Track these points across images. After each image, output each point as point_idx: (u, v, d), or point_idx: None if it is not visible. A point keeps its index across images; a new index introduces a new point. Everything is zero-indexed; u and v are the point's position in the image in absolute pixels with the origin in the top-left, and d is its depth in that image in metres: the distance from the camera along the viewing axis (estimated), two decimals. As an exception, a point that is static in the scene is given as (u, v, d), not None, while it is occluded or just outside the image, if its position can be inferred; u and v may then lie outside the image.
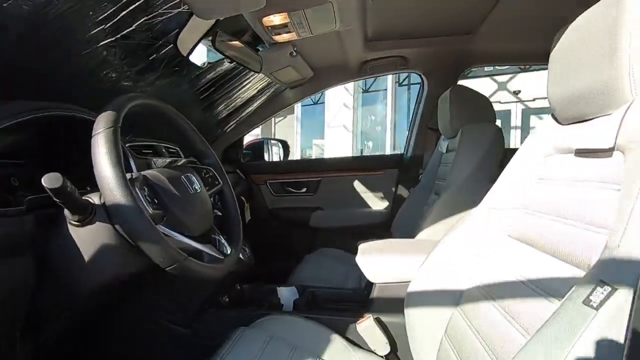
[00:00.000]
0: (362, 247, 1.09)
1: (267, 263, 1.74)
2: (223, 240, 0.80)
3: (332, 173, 1.98)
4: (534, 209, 0.72)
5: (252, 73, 1.46)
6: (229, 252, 0.79)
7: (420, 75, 1.79)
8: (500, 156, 1.28)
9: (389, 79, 9.18)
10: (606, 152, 0.57)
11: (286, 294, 1.24)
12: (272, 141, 2.30)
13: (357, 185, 1.97)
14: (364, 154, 8.85)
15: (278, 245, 2.00)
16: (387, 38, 1.52)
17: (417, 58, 1.64)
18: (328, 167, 2.02)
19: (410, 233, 1.67)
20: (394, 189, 1.93)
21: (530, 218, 0.72)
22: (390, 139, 8.88)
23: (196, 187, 0.77)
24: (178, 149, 1.30)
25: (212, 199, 0.87)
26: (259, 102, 1.76)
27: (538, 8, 1.26)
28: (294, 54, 1.40)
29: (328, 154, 9.04)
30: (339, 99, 9.00)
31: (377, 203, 1.97)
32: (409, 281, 0.98)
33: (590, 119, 0.63)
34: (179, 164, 0.94)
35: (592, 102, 0.61)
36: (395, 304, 1.01)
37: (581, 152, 0.65)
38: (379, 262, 1.02)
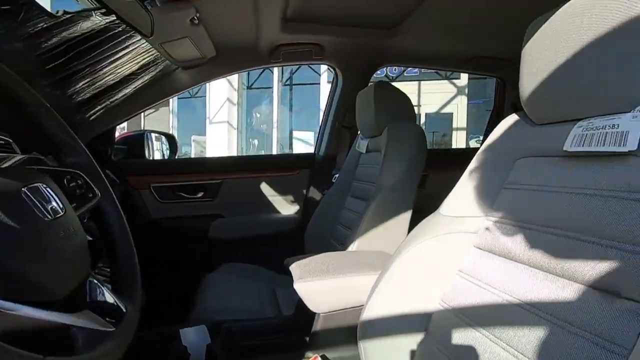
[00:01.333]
0: (296, 269, 0.87)
1: (157, 293, 1.35)
2: (108, 295, 0.47)
3: (236, 174, 1.69)
4: (506, 218, 0.64)
5: (135, 40, 1.07)
6: (124, 310, 0.47)
7: (334, 70, 1.66)
8: (425, 157, 1.23)
9: (275, 77, 9.08)
10: (617, 157, 0.50)
11: (193, 337, 0.92)
12: (155, 134, 1.85)
13: (265, 187, 1.73)
14: (250, 152, 8.53)
15: (168, 265, 1.60)
16: (307, 20, 1.33)
17: (335, 49, 1.50)
18: (231, 167, 1.72)
19: (328, 240, 1.54)
20: (305, 192, 1.76)
21: (502, 228, 0.64)
22: (276, 137, 8.79)
23: (54, 208, 0.43)
24: (9, 140, 0.82)
25: (84, 221, 0.53)
26: (140, 82, 1.35)
27: (462, 13, 1.25)
28: (196, 21, 1.07)
29: (210, 152, 8.37)
30: (222, 93, 8.43)
31: (287, 207, 1.77)
32: (361, 305, 0.82)
33: (583, 119, 0.56)
34: (11, 164, 0.54)
35: (592, 99, 0.54)
36: (345, 335, 0.84)
37: (570, 156, 0.58)
38: (323, 287, 0.82)
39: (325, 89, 8.36)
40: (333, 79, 1.72)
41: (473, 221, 0.70)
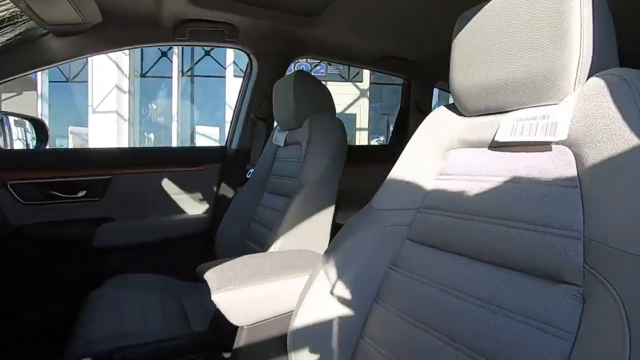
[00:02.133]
0: (213, 276, 0.74)
1: (25, 324, 1.04)
2: None
3: (130, 168, 1.42)
4: (439, 208, 0.63)
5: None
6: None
7: (249, 56, 1.53)
8: (346, 151, 1.21)
9: (174, 65, 8.34)
10: (545, 146, 0.52)
11: (73, 377, 0.71)
12: (13, 118, 1.45)
13: (167, 184, 1.50)
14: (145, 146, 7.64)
15: (38, 286, 1.26)
16: (220, -6, 1.18)
17: (250, 32, 1.37)
18: (123, 161, 1.44)
19: (243, 241, 1.40)
20: (215, 189, 1.59)
21: (435, 218, 0.63)
22: (176, 131, 8.08)
23: None
24: None
25: None
26: (-12, 45, 1.02)
27: (372, 11, 1.25)
28: (75, -29, 0.84)
29: (94, 146, 7.24)
30: (109, 79, 7.37)
31: (194, 207, 1.57)
32: (289, 312, 0.73)
33: (512, 110, 0.58)
34: None
35: (522, 91, 0.56)
36: (274, 348, 0.74)
37: (501, 146, 0.58)
38: (247, 295, 0.71)
39: (231, 83, 8.00)
40: (247, 66, 1.58)
41: (406, 213, 0.68)
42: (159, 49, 8.65)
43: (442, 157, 0.69)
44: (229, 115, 7.82)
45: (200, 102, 8.91)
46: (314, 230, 1.08)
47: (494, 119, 0.61)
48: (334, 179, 1.14)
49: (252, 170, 1.55)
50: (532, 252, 0.47)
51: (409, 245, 0.66)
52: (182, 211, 1.54)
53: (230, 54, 8.07)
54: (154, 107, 8.41)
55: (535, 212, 0.49)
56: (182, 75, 8.68)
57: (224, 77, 8.20)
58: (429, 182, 0.69)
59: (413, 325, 0.57)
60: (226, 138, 1.66)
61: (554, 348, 0.41)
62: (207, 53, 8.57)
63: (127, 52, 7.47)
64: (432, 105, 2.04)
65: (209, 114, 8.88)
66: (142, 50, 8.68)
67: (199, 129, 8.33)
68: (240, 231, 1.39)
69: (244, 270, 0.76)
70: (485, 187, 0.57)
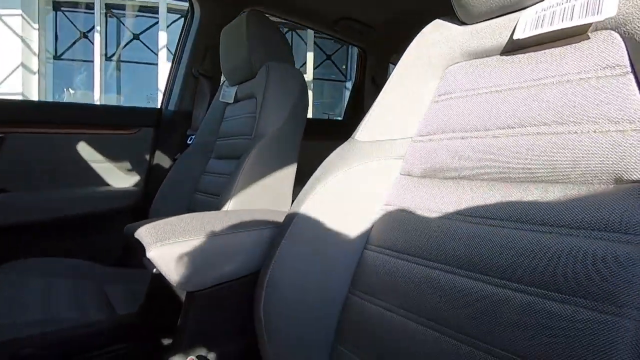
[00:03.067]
0: (147, 232, 0.54)
1: None
2: None
3: (34, 126, 1.12)
4: (440, 133, 0.53)
5: None
6: None
7: (189, 1, 1.31)
8: (307, 107, 1.06)
9: (96, 48, 7.47)
10: (580, 36, 0.43)
11: None
12: None
13: (85, 149, 1.22)
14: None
15: None
16: None
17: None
18: (24, 115, 1.13)
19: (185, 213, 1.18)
20: (148, 157, 1.33)
21: (434, 145, 0.54)
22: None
23: None
24: None
25: None
26: None
27: None
28: None
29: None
30: (13, 57, 6.34)
31: (121, 178, 1.30)
32: (250, 274, 0.57)
33: (535, 4, 0.48)
34: None
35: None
36: (231, 320, 0.57)
37: (520, 48, 0.49)
38: (194, 250, 0.52)
39: (165, 69, 7.37)
40: (187, 12, 1.35)
41: (398, 144, 0.58)
42: (77, 28, 7.69)
43: (439, 75, 0.58)
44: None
45: (128, 91, 8.09)
46: (272, 192, 0.92)
47: (508, 19, 0.52)
48: (295, 134, 0.99)
49: (193, 136, 1.33)
50: (577, 156, 0.38)
51: (404, 180, 0.55)
52: (105, 183, 1.26)
53: (162, 38, 7.45)
54: (71, 93, 7.45)
55: (568, 109, 0.40)
56: (106, 59, 7.80)
57: (156, 64, 7.54)
58: (424, 106, 0.58)
59: (418, 265, 0.46)
60: (162, 99, 1.40)
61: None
62: (136, 37, 7.81)
63: (36, 26, 6.50)
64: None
65: (138, 104, 8.11)
66: (56, 28, 7.64)
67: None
68: (179, 204, 1.17)
69: (189, 224, 0.57)
70: (500, 98, 0.47)
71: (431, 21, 0.62)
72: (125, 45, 7.91)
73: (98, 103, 7.34)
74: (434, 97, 0.58)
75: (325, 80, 8.67)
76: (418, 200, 0.51)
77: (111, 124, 1.27)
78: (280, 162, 0.95)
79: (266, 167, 0.92)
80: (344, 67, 8.59)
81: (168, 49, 7.49)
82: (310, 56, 7.48)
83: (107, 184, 1.27)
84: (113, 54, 7.91)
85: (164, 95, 1.40)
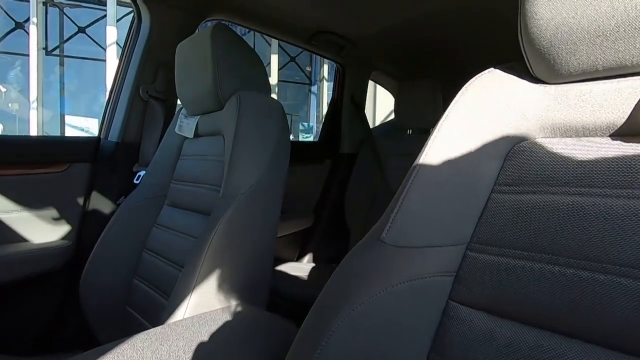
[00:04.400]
0: None
1: None
2: None
3: None
4: (504, 246, 0.38)
5: None
6: None
7: (135, 5, 1.04)
8: (289, 145, 0.86)
9: (32, 40, 6.69)
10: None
11: None
12: None
13: (7, 191, 0.92)
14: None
15: None
16: None
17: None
18: None
19: (132, 283, 0.93)
20: (82, 201, 1.05)
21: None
22: (37, 120, 6.51)
23: None
24: None
25: None
26: None
27: None
28: None
29: None
30: None
31: (45, 229, 1.00)
32: None
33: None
34: None
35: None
36: None
37: None
38: None
39: (114, 66, 6.76)
40: (133, 19, 1.08)
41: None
42: (11, 17, 6.84)
43: (503, 154, 0.40)
44: (111, 105, 6.63)
45: (74, 88, 7.35)
46: (251, 255, 0.71)
47: (621, 85, 0.34)
48: (278, 183, 0.78)
49: (141, 174, 1.06)
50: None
51: (456, 310, 0.38)
52: (21, 238, 0.97)
53: (112, 33, 6.85)
54: (2, 90, 6.62)
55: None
56: (47, 54, 7.03)
57: (104, 60, 6.90)
58: (482, 198, 0.40)
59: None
60: (101, 127, 1.12)
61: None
62: (82, 30, 7.10)
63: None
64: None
65: (85, 104, 7.41)
66: (-16, 16, 6.76)
67: (70, 120, 6.87)
68: (123, 268, 0.92)
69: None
70: (602, 206, 0.32)
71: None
72: (69, 39, 7.17)
73: (35, 102, 6.59)
74: (496, 185, 0.39)
75: (289, 82, 8.43)
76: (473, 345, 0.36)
77: (33, 159, 0.98)
78: (262, 221, 0.74)
79: (245, 231, 0.71)
80: (308, 69, 8.39)
81: (118, 45, 6.91)
82: (274, 59, 7.21)
83: (25, 240, 0.97)
84: (55, 48, 7.14)
85: (102, 122, 1.12)
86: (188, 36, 0.91)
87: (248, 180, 0.72)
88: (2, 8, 6.84)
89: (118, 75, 1.10)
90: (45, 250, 0.97)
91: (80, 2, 7.17)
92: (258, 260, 0.73)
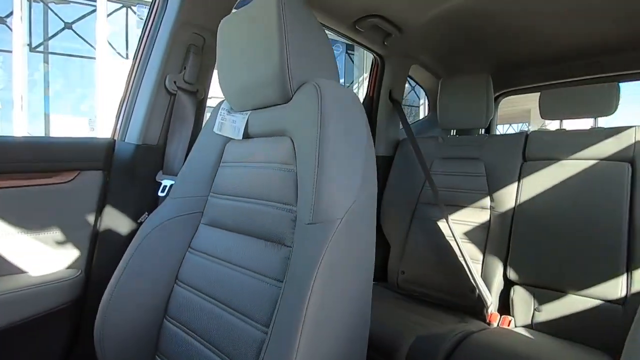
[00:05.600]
0: None
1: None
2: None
3: None
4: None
5: None
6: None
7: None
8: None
9: (16, 38, 6.34)
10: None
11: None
12: None
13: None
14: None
15: None
16: None
17: None
18: None
19: (163, 327, 0.72)
20: (92, 219, 0.84)
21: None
22: (22, 124, 6.17)
23: None
24: None
25: None
26: None
27: None
28: None
29: None
30: None
31: (52, 258, 0.79)
32: None
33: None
34: None
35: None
36: None
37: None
38: None
39: (107, 63, 6.45)
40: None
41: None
42: (-8, 12, 6.46)
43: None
44: (104, 106, 6.35)
45: (61, 88, 7.01)
46: (352, 317, 0.52)
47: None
48: (372, 206, 0.58)
49: (167, 184, 0.86)
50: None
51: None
52: (17, 269, 0.75)
53: (102, 30, 6.54)
54: (-16, 88, 6.26)
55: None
56: (31, 50, 6.67)
57: (94, 57, 6.59)
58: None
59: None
60: (116, 126, 0.90)
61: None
62: (68, 26, 6.76)
63: None
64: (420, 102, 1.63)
65: (73, 103, 7.08)
66: (-38, 10, 6.38)
67: (56, 119, 6.53)
68: (150, 303, 0.71)
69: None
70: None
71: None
72: (55, 35, 6.82)
73: (21, 101, 6.24)
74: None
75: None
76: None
77: (30, 168, 0.76)
78: (360, 255, 0.55)
79: (345, 272, 0.51)
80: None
81: (109, 44, 6.61)
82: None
83: (22, 271, 0.75)
84: (40, 45, 6.78)
85: (117, 119, 0.90)
86: (227, 12, 0.71)
87: (344, 200, 0.52)
88: (-18, 2, 6.46)
89: (136, 64, 0.88)
90: (48, 285, 0.75)
91: (67, -3, 6.84)
92: (360, 310, 0.53)
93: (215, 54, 0.75)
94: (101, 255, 0.83)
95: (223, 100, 0.80)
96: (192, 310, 0.69)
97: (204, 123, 0.93)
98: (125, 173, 0.85)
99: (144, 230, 0.74)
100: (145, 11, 6.92)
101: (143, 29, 0.88)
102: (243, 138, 0.73)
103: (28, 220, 0.76)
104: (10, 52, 6.58)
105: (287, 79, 0.62)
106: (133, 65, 0.89)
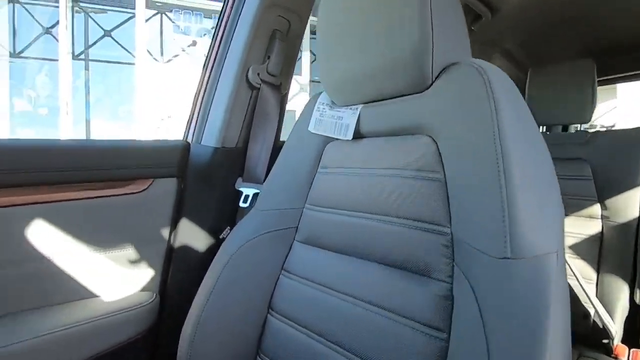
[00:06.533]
0: None
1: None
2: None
3: None
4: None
5: None
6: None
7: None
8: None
9: (62, 47, 6.62)
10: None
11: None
12: None
13: (66, 223, 0.60)
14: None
15: None
16: None
17: None
18: None
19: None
20: (166, 234, 0.73)
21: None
22: (67, 129, 6.42)
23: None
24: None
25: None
26: None
27: None
28: None
29: None
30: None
31: (124, 280, 0.68)
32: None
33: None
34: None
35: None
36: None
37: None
38: None
39: (145, 69, 6.61)
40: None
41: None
42: (39, 23, 6.78)
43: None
44: (145, 113, 6.49)
45: (102, 94, 7.27)
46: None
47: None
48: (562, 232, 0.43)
49: (249, 194, 0.74)
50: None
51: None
52: (87, 291, 0.65)
53: (141, 36, 6.71)
54: (32, 96, 6.55)
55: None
56: (73, 58, 6.95)
57: (133, 63, 6.77)
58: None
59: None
60: (188, 127, 0.79)
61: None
62: (107, 34, 6.99)
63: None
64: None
65: (110, 108, 7.31)
66: (13, 22, 6.73)
67: (98, 125, 6.76)
68: (241, 335, 0.60)
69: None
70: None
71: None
72: (95, 43, 7.08)
73: (66, 107, 6.49)
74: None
75: (318, 82, 8.09)
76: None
77: (98, 177, 0.66)
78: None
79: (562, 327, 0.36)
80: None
81: (148, 52, 6.77)
82: (306, 56, 6.90)
83: (93, 294, 0.65)
84: (81, 53, 7.05)
85: (190, 119, 0.79)
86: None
87: (552, 222, 0.37)
88: (30, 14, 6.79)
89: (213, 56, 0.77)
90: (123, 313, 0.65)
91: (105, 6, 7.07)
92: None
93: (300, 40, 0.62)
94: (177, 275, 0.72)
95: (318, 93, 0.67)
96: (295, 350, 0.56)
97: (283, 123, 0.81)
98: (202, 180, 0.74)
99: (229, 248, 0.62)
100: (180, 17, 7.04)
101: (221, 14, 0.76)
102: (353, 138, 0.59)
103: (99, 236, 0.65)
104: (56, 60, 6.88)
105: (430, 60, 0.47)
106: (208, 59, 0.77)
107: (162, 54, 7.07)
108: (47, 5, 6.77)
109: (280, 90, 0.78)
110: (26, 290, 0.59)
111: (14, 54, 6.80)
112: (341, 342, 0.49)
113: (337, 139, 0.62)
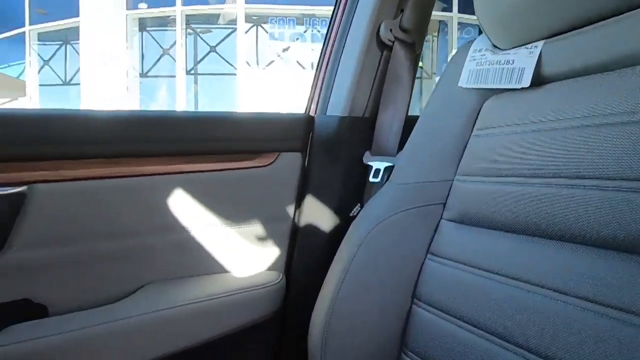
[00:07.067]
0: None
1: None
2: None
3: (78, 167, 0.52)
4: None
5: None
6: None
7: None
8: None
9: (179, 64, 7.57)
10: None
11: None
12: None
13: (197, 193, 0.60)
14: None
15: None
16: None
17: None
18: (56, 148, 0.51)
19: None
20: (292, 212, 0.68)
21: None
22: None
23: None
24: None
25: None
26: None
27: None
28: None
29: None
30: (110, 79, 6.60)
31: (251, 256, 0.66)
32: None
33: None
34: None
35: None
36: None
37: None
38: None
39: (245, 78, 7.19)
40: None
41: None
42: (160, 46, 7.88)
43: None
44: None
45: (208, 103, 8.13)
46: None
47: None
48: None
49: (380, 168, 0.64)
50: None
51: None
52: (220, 266, 0.63)
53: (242, 50, 7.29)
54: (157, 108, 7.62)
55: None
56: (186, 74, 7.90)
57: (235, 74, 7.40)
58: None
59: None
60: (311, 98, 0.74)
61: None
62: (213, 49, 7.77)
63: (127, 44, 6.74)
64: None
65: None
66: (141, 46, 7.94)
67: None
68: (382, 327, 0.51)
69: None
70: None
71: None
72: (203, 59, 7.93)
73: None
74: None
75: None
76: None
77: (223, 148, 0.63)
78: None
79: None
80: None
81: (247, 64, 7.32)
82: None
83: (224, 270, 0.63)
84: (192, 69, 7.98)
85: (313, 89, 0.73)
86: None
87: None
88: (154, 39, 7.92)
89: (338, 14, 0.70)
90: (253, 291, 0.61)
91: (210, 25, 7.86)
92: None
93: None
94: (302, 255, 0.66)
95: (469, 42, 0.55)
96: (452, 349, 0.44)
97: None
98: (328, 154, 0.67)
99: (362, 227, 0.54)
100: (275, 25, 7.46)
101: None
102: (530, 86, 0.45)
103: (228, 210, 0.63)
104: (172, 77, 7.89)
105: None
106: (332, 20, 0.71)
107: (257, 62, 7.59)
108: (164, 30, 7.80)
109: (415, 49, 0.67)
110: (166, 260, 0.59)
111: (143, 74, 8.01)
112: (524, 343, 0.37)
113: (503, 91, 0.49)
